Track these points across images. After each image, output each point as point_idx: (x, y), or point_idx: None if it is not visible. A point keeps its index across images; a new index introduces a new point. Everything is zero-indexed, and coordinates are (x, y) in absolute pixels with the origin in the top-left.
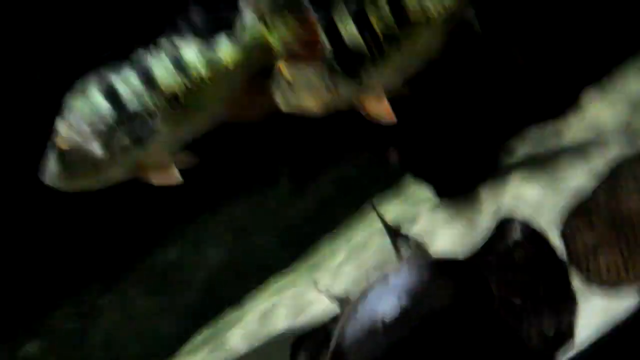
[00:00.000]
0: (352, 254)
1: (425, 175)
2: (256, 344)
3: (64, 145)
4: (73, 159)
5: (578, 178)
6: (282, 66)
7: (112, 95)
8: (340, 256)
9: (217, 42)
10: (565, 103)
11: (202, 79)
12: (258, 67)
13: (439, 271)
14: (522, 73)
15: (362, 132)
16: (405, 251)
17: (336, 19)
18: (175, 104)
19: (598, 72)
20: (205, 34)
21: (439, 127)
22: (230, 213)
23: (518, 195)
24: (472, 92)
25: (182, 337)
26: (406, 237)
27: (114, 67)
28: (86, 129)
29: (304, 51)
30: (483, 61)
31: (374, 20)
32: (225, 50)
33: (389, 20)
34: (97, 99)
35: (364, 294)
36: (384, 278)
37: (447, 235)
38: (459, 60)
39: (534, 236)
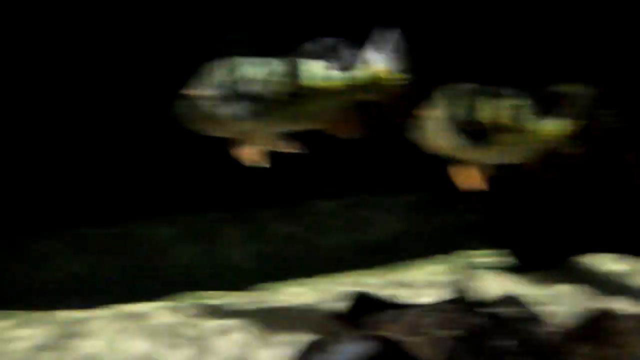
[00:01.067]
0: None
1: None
2: None
3: (194, 94)
4: (200, 107)
5: None
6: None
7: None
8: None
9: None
10: None
11: (316, 88)
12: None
13: None
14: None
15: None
16: None
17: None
18: (290, 99)
19: None
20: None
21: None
22: None
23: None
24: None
25: None
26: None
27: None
28: (219, 91)
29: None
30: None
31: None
32: (340, 75)
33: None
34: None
35: None
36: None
37: None
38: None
39: None
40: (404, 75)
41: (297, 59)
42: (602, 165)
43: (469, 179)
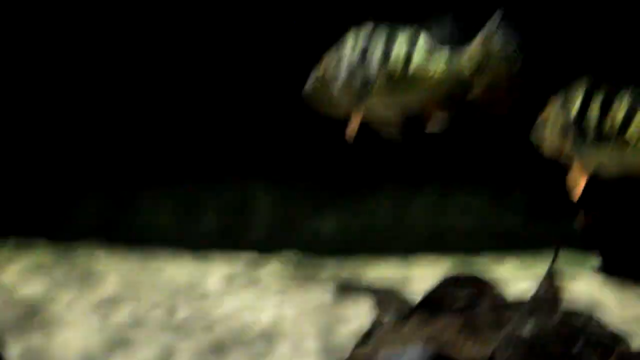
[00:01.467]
0: None
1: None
2: None
3: (320, 73)
4: (321, 87)
5: None
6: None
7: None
8: None
9: (442, 49)
10: None
11: (421, 69)
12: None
13: None
14: None
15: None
16: None
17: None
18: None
19: None
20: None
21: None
22: None
23: None
24: None
25: None
26: None
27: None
28: (339, 72)
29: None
30: None
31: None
32: (444, 57)
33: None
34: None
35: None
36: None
37: None
38: None
39: None
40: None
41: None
42: None
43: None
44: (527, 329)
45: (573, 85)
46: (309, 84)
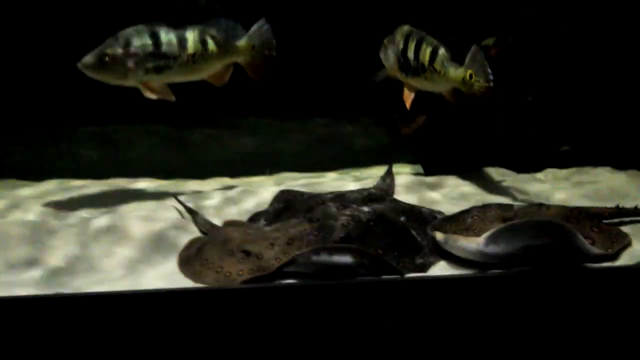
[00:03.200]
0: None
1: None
2: None
3: (109, 52)
4: (110, 61)
5: None
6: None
7: (155, 37)
8: None
9: None
10: None
11: (209, 52)
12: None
13: None
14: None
15: None
16: None
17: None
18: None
19: None
20: None
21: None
22: None
23: None
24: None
25: None
26: None
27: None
28: (129, 49)
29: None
30: None
31: None
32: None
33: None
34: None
35: None
36: None
37: None
38: None
39: None
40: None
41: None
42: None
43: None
44: (366, 209)
45: (397, 30)
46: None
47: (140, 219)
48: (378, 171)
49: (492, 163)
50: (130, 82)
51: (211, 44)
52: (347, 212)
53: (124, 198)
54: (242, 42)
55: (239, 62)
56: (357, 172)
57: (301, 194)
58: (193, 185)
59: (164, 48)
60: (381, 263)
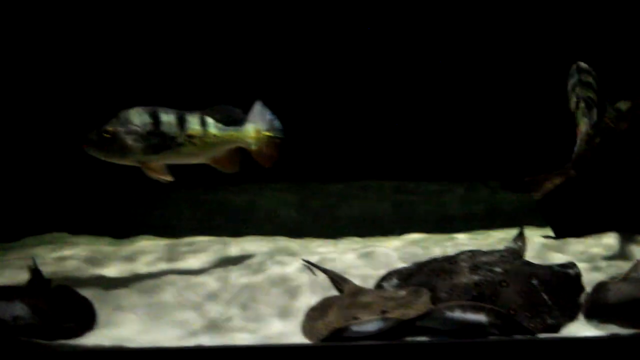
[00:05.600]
0: None
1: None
2: None
3: (110, 129)
4: (112, 141)
5: None
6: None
7: (154, 117)
8: None
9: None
10: None
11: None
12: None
13: None
14: None
15: None
16: None
17: None
18: (188, 143)
19: None
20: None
21: None
22: None
23: None
24: None
25: None
26: None
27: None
28: (129, 127)
29: None
30: None
31: None
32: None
33: None
34: (144, 116)
35: None
36: None
37: None
38: None
39: None
40: (277, 134)
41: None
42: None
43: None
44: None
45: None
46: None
47: None
48: (504, 234)
49: (621, 228)
50: (129, 161)
51: (212, 127)
52: (480, 272)
53: None
54: (246, 128)
55: (246, 149)
56: (481, 234)
57: (434, 257)
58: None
59: (163, 128)
60: (514, 323)
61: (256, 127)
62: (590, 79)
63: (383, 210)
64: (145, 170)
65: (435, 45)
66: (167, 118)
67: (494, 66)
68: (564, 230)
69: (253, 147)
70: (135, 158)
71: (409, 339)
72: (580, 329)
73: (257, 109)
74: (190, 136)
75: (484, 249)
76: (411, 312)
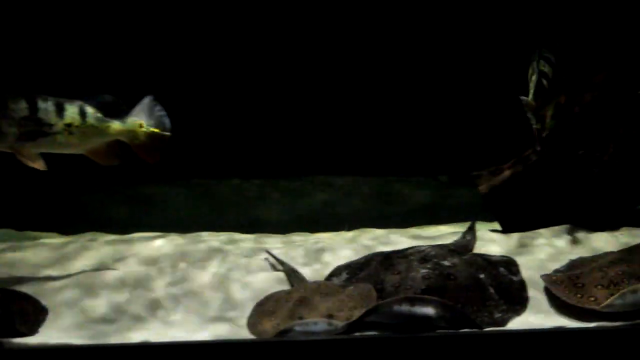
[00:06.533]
0: None
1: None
2: None
3: None
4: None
5: None
6: None
7: (31, 103)
8: None
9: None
10: None
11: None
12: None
13: None
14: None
15: None
16: None
17: None
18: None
19: None
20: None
21: None
22: None
23: None
24: None
25: None
26: None
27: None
28: (4, 112)
29: None
30: None
31: None
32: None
33: None
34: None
35: None
36: None
37: None
38: None
39: None
40: (163, 130)
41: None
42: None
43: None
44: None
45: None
46: None
47: None
48: (450, 229)
49: (569, 221)
50: (2, 147)
51: (91, 118)
52: (429, 265)
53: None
54: (129, 121)
55: (126, 142)
56: (430, 229)
57: (382, 252)
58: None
59: (40, 114)
60: (461, 316)
61: (140, 121)
62: (550, 55)
63: (332, 205)
64: (18, 157)
65: (378, 38)
66: (45, 105)
67: (444, 61)
68: (512, 224)
69: (135, 142)
70: (8, 144)
71: (357, 334)
72: (526, 322)
73: (145, 103)
74: (68, 125)
75: (433, 243)
76: (356, 313)
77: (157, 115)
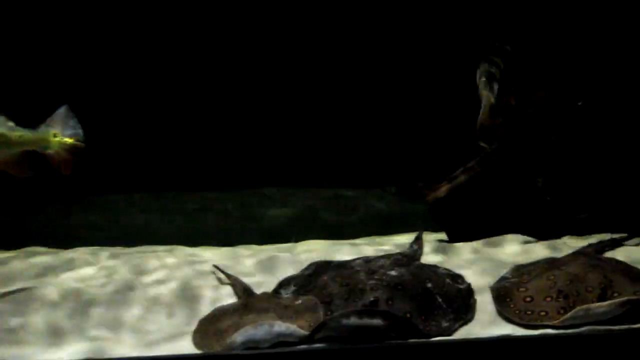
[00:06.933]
0: None
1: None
2: None
3: None
4: None
5: None
6: None
7: None
8: None
9: None
10: None
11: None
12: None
13: None
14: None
15: None
16: None
17: None
18: None
19: None
20: None
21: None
22: None
23: None
24: None
25: None
26: None
27: None
28: None
29: None
30: None
31: None
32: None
33: None
34: None
35: None
36: None
37: None
38: None
39: None
40: (75, 139)
41: None
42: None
43: None
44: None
45: None
46: None
47: None
48: (400, 238)
49: (514, 230)
50: None
51: (1, 126)
52: (376, 276)
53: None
54: (41, 131)
55: (40, 152)
56: (379, 239)
57: (330, 261)
58: (224, 251)
59: None
60: (410, 326)
61: (54, 131)
62: (496, 58)
63: (279, 216)
64: None
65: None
66: None
67: (393, 70)
68: (457, 234)
69: (47, 152)
70: None
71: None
72: (473, 331)
73: (60, 113)
74: None
75: (381, 253)
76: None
77: (71, 125)
